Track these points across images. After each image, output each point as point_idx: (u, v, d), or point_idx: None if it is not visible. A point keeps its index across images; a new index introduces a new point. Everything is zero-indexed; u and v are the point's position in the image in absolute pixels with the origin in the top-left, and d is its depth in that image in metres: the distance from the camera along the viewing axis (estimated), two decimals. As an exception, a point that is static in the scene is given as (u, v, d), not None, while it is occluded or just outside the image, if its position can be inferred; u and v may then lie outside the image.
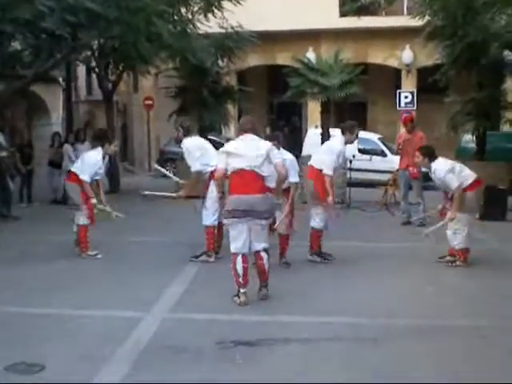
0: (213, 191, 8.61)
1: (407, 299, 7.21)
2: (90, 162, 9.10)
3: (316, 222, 8.82)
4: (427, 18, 15.00)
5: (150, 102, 25.89)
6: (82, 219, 9.11)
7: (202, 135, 18.53)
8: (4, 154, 13.40)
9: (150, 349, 5.51)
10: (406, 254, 9.24)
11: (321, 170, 8.73)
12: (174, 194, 9.34)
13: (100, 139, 9.40)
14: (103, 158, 9.31)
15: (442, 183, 8.61)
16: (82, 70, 29.03)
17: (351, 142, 9.09)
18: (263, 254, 6.90)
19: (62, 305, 6.76)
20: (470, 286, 7.69)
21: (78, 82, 30.16)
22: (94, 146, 9.66)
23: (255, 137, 6.93)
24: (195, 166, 8.69)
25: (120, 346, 5.52)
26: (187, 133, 9.04)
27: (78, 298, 6.99)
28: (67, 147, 15.63)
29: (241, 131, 7.03)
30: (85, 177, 8.96)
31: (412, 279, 8.11)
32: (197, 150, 8.77)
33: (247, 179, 6.71)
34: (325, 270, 8.47)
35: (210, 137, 19.50)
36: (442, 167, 8.52)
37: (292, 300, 7.00)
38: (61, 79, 24.58)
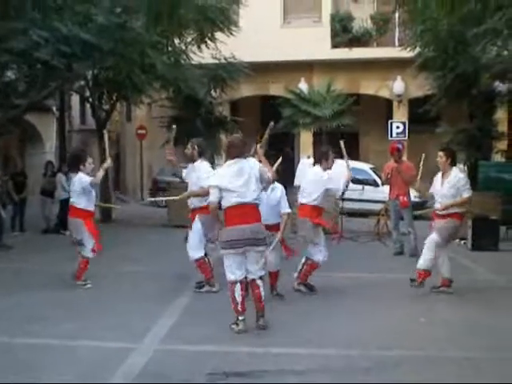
0: (197, 224, 8.64)
1: (399, 330, 7.18)
2: (77, 187, 9.13)
3: (317, 254, 8.72)
4: (418, 49, 15.19)
5: (142, 132, 26.00)
6: (86, 252, 9.11)
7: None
8: (-3, 182, 13.42)
9: (140, 380, 5.47)
10: (399, 284, 9.22)
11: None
12: (176, 197, 9.32)
13: (74, 165, 9.35)
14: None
15: (454, 191, 8.66)
16: (75, 100, 29.14)
17: (329, 168, 9.02)
18: (259, 282, 6.93)
19: (52, 335, 6.71)
20: (462, 317, 7.67)
21: (71, 112, 30.25)
22: (72, 173, 9.69)
23: (242, 160, 6.93)
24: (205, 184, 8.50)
25: (110, 377, 5.47)
26: (201, 153, 9.01)
27: (68, 328, 6.94)
28: (60, 176, 15.67)
29: (229, 157, 7.01)
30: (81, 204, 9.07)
31: (404, 310, 8.08)
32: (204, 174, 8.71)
33: (244, 210, 6.76)
34: (317, 300, 8.45)
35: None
36: (461, 174, 8.70)
37: (284, 331, 6.97)
38: (54, 108, 24.68)
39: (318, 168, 8.91)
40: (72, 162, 9.70)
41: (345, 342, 6.57)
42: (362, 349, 6.31)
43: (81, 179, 9.13)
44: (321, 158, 8.98)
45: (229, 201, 6.80)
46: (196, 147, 8.98)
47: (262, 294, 6.94)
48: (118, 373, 5.60)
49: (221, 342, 6.53)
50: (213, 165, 20.67)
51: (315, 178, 8.81)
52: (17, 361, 5.91)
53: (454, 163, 8.85)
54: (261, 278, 6.98)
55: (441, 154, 8.89)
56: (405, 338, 6.85)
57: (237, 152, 6.93)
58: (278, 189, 8.33)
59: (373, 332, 6.98)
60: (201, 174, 8.66)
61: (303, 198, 8.80)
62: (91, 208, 9.24)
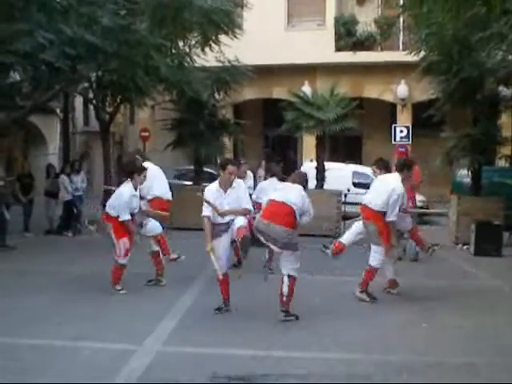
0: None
1: (402, 335, 7.18)
2: (121, 200, 8.85)
3: (376, 260, 8.70)
4: (423, 53, 15.15)
5: (146, 134, 25.99)
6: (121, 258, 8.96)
7: (198, 168, 18.78)
8: (0, 183, 13.42)
9: (143, 382, 5.47)
10: (400, 289, 9.20)
11: (383, 213, 8.65)
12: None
13: (130, 172, 9.07)
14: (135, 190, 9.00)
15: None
16: (79, 102, 29.13)
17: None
18: (285, 279, 7.50)
19: (55, 336, 6.72)
20: (465, 323, 7.65)
21: (75, 113, 30.23)
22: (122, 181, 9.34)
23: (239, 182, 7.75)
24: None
25: (113, 379, 5.48)
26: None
27: (71, 330, 6.94)
28: (64, 178, 15.70)
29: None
30: (125, 216, 8.78)
31: (406, 315, 8.07)
32: None
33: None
34: (319, 305, 8.44)
35: (205, 169, 19.65)
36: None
37: (287, 335, 6.96)
38: (58, 110, 24.69)
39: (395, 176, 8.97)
40: (129, 170, 9.31)
41: (347, 346, 6.57)
42: (364, 353, 6.31)
43: (122, 195, 8.86)
44: (403, 168, 9.05)
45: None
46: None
47: (284, 289, 7.48)
48: (120, 375, 5.60)
49: (223, 344, 6.53)
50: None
51: (387, 189, 8.73)
52: (20, 361, 5.91)
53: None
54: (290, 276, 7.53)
55: (374, 167, 9.31)
56: (407, 342, 6.84)
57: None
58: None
59: (375, 336, 6.98)
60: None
61: (371, 203, 8.78)
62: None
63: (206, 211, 7.64)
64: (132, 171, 9.03)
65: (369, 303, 8.52)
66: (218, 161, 20.56)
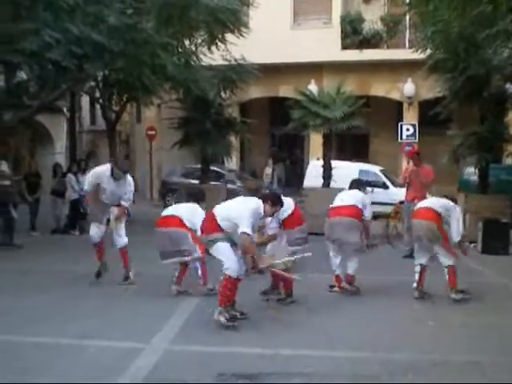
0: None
1: (408, 333, 7.17)
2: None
3: (447, 258, 8.70)
4: (429, 51, 15.12)
5: (152, 133, 26.01)
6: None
7: (205, 166, 18.80)
8: (7, 182, 13.46)
9: (149, 380, 5.49)
10: (408, 287, 9.19)
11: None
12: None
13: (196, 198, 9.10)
14: None
15: None
16: (85, 101, 29.24)
17: None
18: None
19: (61, 334, 6.74)
20: (470, 321, 7.64)
21: (81, 112, 30.38)
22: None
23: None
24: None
25: (119, 377, 5.49)
26: None
27: (77, 328, 6.97)
28: (70, 177, 15.74)
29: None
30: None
31: (413, 313, 8.07)
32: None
33: None
34: (325, 303, 8.44)
35: (212, 168, 19.67)
36: None
37: (294, 333, 6.97)
38: (65, 109, 24.78)
39: None
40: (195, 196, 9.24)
41: (354, 345, 6.57)
42: (370, 351, 6.31)
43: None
44: None
45: None
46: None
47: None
48: (127, 373, 5.61)
49: (230, 343, 6.54)
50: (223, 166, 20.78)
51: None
52: (24, 360, 5.93)
53: None
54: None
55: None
56: (413, 341, 6.84)
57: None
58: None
59: (382, 334, 6.98)
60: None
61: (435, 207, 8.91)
62: None
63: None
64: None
65: (375, 302, 8.51)
66: (225, 160, 20.68)
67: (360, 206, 9.03)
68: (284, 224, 8.31)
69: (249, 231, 6.88)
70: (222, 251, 7.06)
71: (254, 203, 7.23)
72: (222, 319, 7.00)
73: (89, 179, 9.50)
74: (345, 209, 8.97)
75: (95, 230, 9.37)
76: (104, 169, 9.44)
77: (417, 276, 8.83)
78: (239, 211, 7.05)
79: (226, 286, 7.04)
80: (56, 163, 17.78)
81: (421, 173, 12.35)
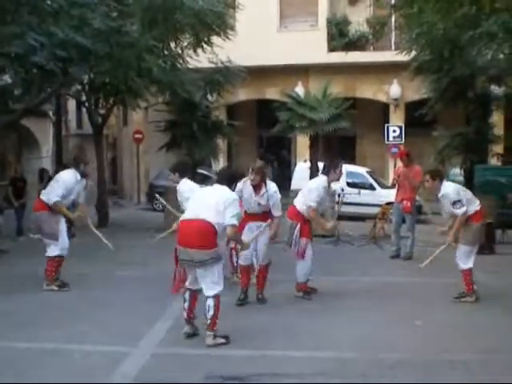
0: None
1: (395, 333, 7.18)
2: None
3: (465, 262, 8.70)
4: (414, 53, 15.20)
5: (139, 136, 25.97)
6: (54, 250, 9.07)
7: (192, 169, 18.77)
8: (-8, 187, 13.42)
9: (137, 383, 5.47)
10: (395, 288, 9.23)
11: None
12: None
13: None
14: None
15: (448, 208, 8.61)
16: (72, 104, 29.17)
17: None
18: None
19: (48, 339, 6.71)
20: (458, 320, 7.69)
21: (68, 116, 30.29)
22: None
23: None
24: None
25: (107, 381, 5.48)
26: None
27: (63, 332, 6.93)
28: (57, 181, 15.65)
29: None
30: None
31: (400, 313, 8.09)
32: None
33: None
34: (313, 304, 8.44)
35: (199, 171, 19.63)
36: (451, 190, 8.54)
37: (280, 335, 6.97)
38: (51, 113, 24.67)
39: None
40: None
41: (341, 345, 6.58)
42: (357, 352, 6.33)
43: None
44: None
45: None
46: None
47: None
48: (114, 376, 5.60)
49: (218, 345, 6.53)
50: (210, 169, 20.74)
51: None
52: (11, 365, 5.90)
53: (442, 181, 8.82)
54: None
55: (426, 177, 8.83)
56: (400, 341, 6.85)
57: None
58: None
59: (369, 335, 6.99)
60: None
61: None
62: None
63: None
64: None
65: (363, 302, 8.53)
66: (212, 162, 20.67)
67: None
68: None
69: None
70: None
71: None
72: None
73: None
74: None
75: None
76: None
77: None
78: None
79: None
80: (42, 168, 17.72)
81: (410, 174, 12.38)
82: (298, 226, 8.54)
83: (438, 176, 8.69)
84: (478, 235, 8.76)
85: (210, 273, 6.39)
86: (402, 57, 15.76)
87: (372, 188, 20.67)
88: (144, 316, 7.68)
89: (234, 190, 6.89)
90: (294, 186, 19.45)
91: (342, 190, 15.70)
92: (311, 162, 17.06)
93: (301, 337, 6.91)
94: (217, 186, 6.70)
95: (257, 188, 8.22)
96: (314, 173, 16.79)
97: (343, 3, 25.21)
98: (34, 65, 12.45)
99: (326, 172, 8.82)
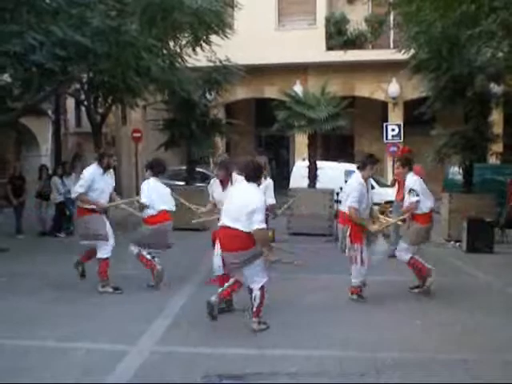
0: None
1: (394, 333, 7.19)
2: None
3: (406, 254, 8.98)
4: (413, 51, 15.18)
5: (138, 135, 25.93)
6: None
7: (191, 168, 18.79)
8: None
9: (135, 382, 5.48)
10: (393, 286, 9.24)
11: None
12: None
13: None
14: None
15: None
16: (71, 103, 29.11)
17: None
18: None
19: (47, 337, 6.72)
20: (456, 320, 7.69)
21: (67, 115, 30.21)
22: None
23: None
24: None
25: (105, 379, 5.49)
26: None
27: (63, 331, 6.94)
28: (56, 179, 15.69)
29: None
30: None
31: (399, 313, 8.10)
32: None
33: None
34: (312, 303, 8.45)
35: (198, 169, 19.65)
36: (412, 180, 9.02)
37: (278, 333, 6.98)
38: (50, 112, 24.65)
39: None
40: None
41: (340, 345, 6.59)
42: (356, 351, 6.34)
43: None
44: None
45: None
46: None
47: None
48: (113, 375, 5.61)
49: (216, 343, 6.55)
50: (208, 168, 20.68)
51: None
52: (12, 363, 5.91)
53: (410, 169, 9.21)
54: None
55: (397, 164, 9.47)
56: (400, 340, 6.86)
57: None
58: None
59: (368, 334, 7.00)
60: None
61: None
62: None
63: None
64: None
65: (361, 301, 8.54)
66: (211, 161, 20.66)
67: None
68: None
69: None
70: None
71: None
72: None
73: None
74: None
75: None
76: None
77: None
78: None
79: None
80: (42, 165, 17.70)
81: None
82: (349, 230, 8.51)
83: (408, 165, 9.19)
84: (419, 238, 9.06)
85: (254, 269, 6.89)
86: (401, 55, 15.74)
87: (371, 187, 20.64)
88: (143, 315, 7.69)
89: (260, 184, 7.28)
90: (292, 184, 19.47)
91: (341, 188, 15.67)
92: (310, 160, 17.05)
93: (300, 336, 6.92)
94: (247, 187, 6.98)
95: (224, 184, 8.16)
96: (312, 171, 16.83)
97: (341, 1, 25.22)
98: (33, 63, 12.43)
99: (361, 167, 8.80)
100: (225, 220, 6.97)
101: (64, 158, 21.38)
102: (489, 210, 14.39)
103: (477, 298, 8.86)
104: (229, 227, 6.86)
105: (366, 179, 8.68)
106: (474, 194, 15.52)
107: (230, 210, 6.92)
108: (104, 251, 9.00)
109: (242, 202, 6.81)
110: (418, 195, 8.82)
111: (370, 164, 8.70)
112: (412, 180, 8.98)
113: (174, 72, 16.22)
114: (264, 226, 6.80)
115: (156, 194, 9.11)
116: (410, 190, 8.88)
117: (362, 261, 8.46)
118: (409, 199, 8.89)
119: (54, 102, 21.98)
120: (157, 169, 9.38)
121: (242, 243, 6.78)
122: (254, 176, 7.01)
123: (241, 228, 6.76)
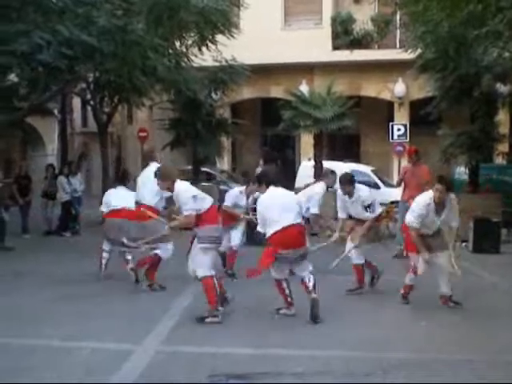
0: None
1: (400, 333, 7.17)
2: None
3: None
4: (419, 51, 15.16)
5: (144, 134, 25.90)
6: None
7: (196, 167, 18.80)
8: (-2, 185, 13.46)
9: (140, 382, 5.48)
10: (399, 287, 9.20)
11: None
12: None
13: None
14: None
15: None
16: (77, 103, 29.17)
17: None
18: None
19: (53, 336, 6.72)
20: (462, 320, 7.67)
21: (73, 114, 30.29)
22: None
23: None
24: None
25: (111, 379, 5.48)
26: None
27: (68, 330, 6.95)
28: (62, 179, 15.72)
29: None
30: None
31: (405, 313, 8.08)
32: None
33: None
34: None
35: (204, 169, 19.66)
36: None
37: (285, 333, 6.97)
38: (56, 111, 24.71)
39: None
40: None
41: (345, 345, 6.57)
42: (362, 351, 6.32)
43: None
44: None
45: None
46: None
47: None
48: (118, 374, 5.60)
49: (222, 343, 6.54)
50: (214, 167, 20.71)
51: None
52: (16, 362, 5.91)
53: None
54: None
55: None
56: (406, 341, 6.84)
57: None
58: None
59: (373, 334, 6.98)
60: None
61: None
62: None
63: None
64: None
65: (367, 301, 8.52)
66: (217, 161, 20.69)
67: None
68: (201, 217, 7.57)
69: None
70: None
71: None
72: None
73: None
74: None
75: None
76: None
77: None
78: None
79: None
80: (49, 164, 17.75)
81: (418, 172, 12.35)
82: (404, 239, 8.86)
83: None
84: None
85: (306, 261, 7.71)
86: (407, 55, 15.71)
87: (376, 187, 20.56)
88: (149, 314, 7.70)
89: None
90: (298, 184, 19.43)
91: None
92: (315, 160, 17.03)
93: (304, 335, 6.91)
94: (281, 191, 7.74)
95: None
96: (318, 171, 16.80)
97: (348, 1, 25.15)
98: (39, 63, 12.46)
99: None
100: (284, 222, 7.40)
101: (70, 158, 21.47)
102: (495, 210, 14.35)
103: (482, 298, 8.84)
104: (291, 225, 7.43)
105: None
106: (480, 193, 15.48)
107: (286, 211, 7.46)
108: (165, 252, 9.11)
109: (287, 200, 7.62)
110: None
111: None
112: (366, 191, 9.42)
113: (180, 71, 16.24)
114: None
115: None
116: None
117: (414, 270, 8.39)
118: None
119: (60, 101, 22.06)
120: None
121: (304, 239, 7.71)
122: (275, 181, 7.80)
123: (298, 222, 7.53)
